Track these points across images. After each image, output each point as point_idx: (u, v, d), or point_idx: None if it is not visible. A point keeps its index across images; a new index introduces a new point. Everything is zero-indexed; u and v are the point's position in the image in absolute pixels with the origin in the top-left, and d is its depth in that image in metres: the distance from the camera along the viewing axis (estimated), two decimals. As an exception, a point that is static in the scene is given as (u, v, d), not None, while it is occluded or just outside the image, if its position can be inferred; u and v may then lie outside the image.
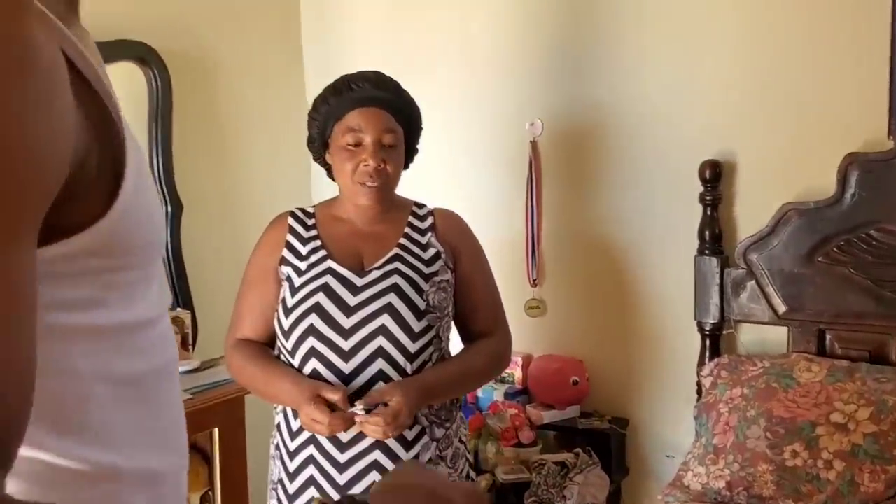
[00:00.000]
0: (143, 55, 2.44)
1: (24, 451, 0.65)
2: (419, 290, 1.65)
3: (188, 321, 2.45)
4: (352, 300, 1.62)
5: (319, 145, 1.75)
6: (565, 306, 2.67)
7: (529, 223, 2.66)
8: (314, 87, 2.86)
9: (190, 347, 2.44)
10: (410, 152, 1.80)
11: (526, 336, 2.63)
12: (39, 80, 0.56)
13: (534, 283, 2.68)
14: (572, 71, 2.58)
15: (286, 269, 1.70)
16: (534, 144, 2.65)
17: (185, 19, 2.62)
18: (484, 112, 2.73)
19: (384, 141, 1.67)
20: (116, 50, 2.36)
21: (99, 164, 0.65)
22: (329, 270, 1.66)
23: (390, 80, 1.74)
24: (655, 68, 2.43)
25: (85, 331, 0.70)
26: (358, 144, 1.66)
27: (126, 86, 2.46)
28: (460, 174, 2.78)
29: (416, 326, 1.61)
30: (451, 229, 1.78)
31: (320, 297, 1.62)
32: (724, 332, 2.34)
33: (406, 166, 1.80)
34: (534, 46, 2.63)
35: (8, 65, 0.54)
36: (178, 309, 2.48)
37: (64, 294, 0.67)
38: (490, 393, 2.56)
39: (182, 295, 2.55)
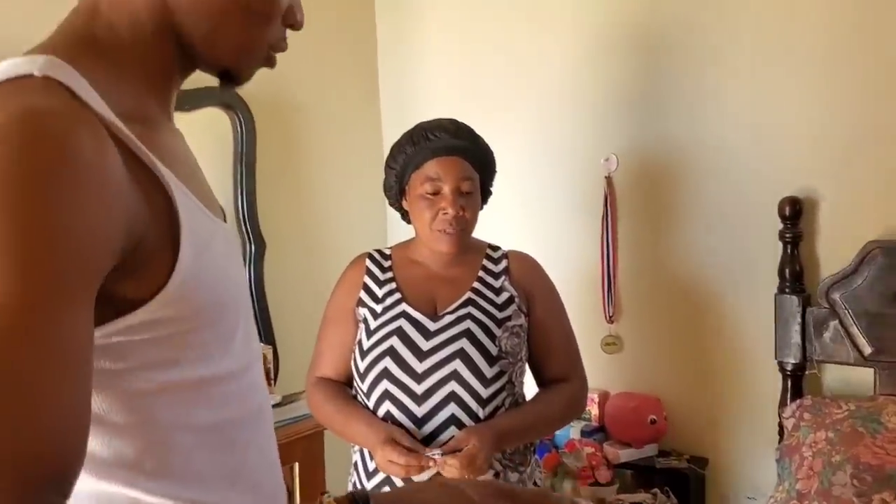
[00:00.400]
0: (229, 101, 2.55)
1: (119, 489, 0.79)
2: (491, 336, 1.67)
3: (270, 356, 2.53)
4: (424, 345, 1.65)
5: (396, 192, 1.80)
6: (642, 343, 2.64)
7: (605, 259, 2.65)
8: (391, 129, 2.95)
9: (272, 382, 2.52)
10: (485, 194, 1.83)
11: (602, 373, 2.62)
12: (81, 174, 0.68)
13: (610, 320, 2.67)
14: (647, 107, 2.57)
15: (363, 311, 1.75)
16: (609, 180, 2.64)
17: (269, 66, 2.72)
18: (558, 148, 2.74)
19: (462, 188, 1.71)
20: (204, 96, 2.46)
21: (157, 238, 0.76)
22: (403, 314, 1.70)
23: (466, 127, 1.78)
24: (732, 103, 2.41)
25: (163, 387, 0.79)
26: (436, 193, 1.70)
27: (213, 130, 2.58)
28: (535, 209, 2.79)
29: (489, 372, 1.63)
30: (525, 273, 1.80)
31: (394, 341, 1.66)
32: (807, 373, 2.28)
33: (480, 208, 1.83)
34: (608, 82, 2.64)
35: (48, 164, 0.67)
36: (261, 344, 2.56)
37: (141, 357, 0.77)
38: (566, 431, 2.55)
39: (264, 330, 2.64)
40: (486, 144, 1.79)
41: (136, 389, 0.77)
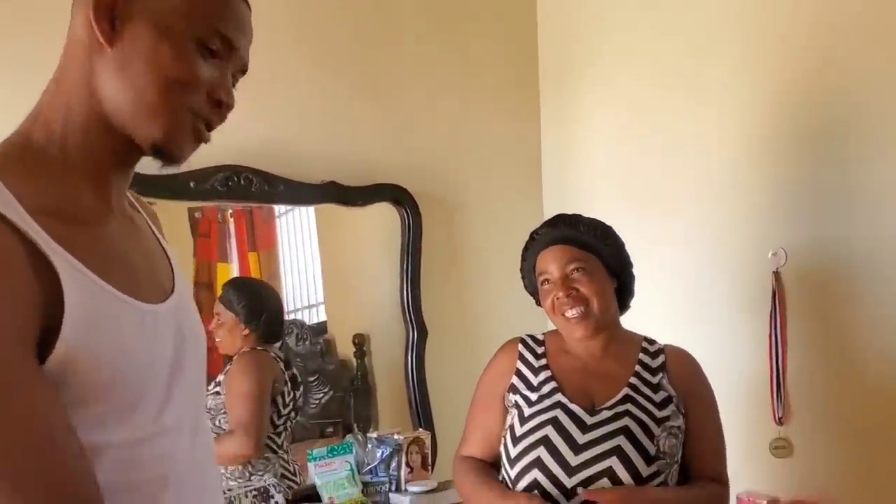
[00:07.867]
0: (398, 196, 2.71)
1: None
2: (650, 435, 1.65)
3: (428, 441, 2.58)
4: (581, 438, 1.65)
5: (533, 293, 1.88)
6: (815, 446, 2.48)
7: (773, 358, 2.54)
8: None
9: (429, 468, 2.56)
10: (612, 270, 1.81)
11: (771, 477, 2.48)
12: None
13: (779, 421, 2.53)
14: (818, 198, 2.48)
15: (514, 397, 1.78)
16: (777, 275, 2.56)
17: (436, 163, 2.88)
18: (723, 243, 2.69)
19: (568, 271, 1.74)
20: (377, 192, 2.68)
21: (52, 320, 0.84)
22: (559, 405, 1.71)
23: (566, 216, 1.84)
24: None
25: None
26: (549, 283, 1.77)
27: (384, 224, 2.76)
28: (698, 305, 2.73)
29: (645, 471, 1.61)
30: (684, 373, 1.78)
31: (549, 431, 1.67)
32: None
33: (625, 304, 1.84)
34: (774, 177, 2.58)
35: None
36: (420, 429, 2.63)
37: None
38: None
39: (423, 415, 2.71)
40: (596, 224, 1.81)
41: None
